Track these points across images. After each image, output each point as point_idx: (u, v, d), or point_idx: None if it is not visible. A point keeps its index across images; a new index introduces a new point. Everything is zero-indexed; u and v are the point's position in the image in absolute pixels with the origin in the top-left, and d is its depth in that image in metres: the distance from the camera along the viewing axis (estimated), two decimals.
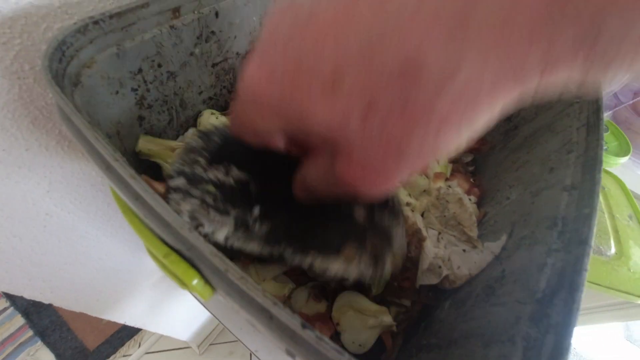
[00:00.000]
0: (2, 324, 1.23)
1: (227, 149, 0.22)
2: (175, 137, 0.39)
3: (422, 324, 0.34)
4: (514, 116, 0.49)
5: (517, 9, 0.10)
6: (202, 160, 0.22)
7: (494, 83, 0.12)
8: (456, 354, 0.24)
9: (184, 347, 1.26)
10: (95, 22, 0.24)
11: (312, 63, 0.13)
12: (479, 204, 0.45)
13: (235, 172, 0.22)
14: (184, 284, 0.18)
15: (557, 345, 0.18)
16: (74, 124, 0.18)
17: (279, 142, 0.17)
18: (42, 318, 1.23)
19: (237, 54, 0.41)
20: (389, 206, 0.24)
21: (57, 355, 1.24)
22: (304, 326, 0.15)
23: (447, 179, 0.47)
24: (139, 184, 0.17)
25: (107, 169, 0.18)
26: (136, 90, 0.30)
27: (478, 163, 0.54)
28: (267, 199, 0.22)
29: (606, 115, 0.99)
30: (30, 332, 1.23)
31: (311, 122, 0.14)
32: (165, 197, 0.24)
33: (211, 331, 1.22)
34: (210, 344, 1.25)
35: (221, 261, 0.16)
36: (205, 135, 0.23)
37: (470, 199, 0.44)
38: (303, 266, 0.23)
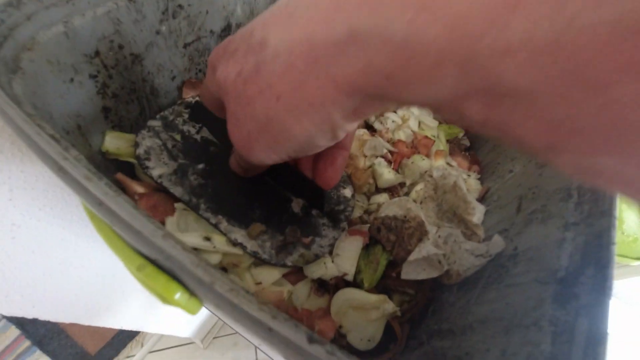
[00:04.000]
0: None
1: (207, 115, 0.23)
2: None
3: (429, 307, 0.33)
4: None
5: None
6: (185, 115, 0.28)
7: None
8: (473, 341, 0.23)
9: (187, 342, 1.24)
10: None
11: (232, 45, 0.17)
12: (481, 179, 0.43)
13: (206, 133, 0.27)
14: (165, 299, 0.15)
15: (592, 329, 0.16)
16: (9, 116, 0.15)
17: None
18: (37, 327, 1.20)
19: (212, 31, 0.37)
20: (331, 208, 0.27)
21: None
22: (311, 340, 0.12)
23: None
24: (98, 186, 0.14)
25: (59, 170, 0.15)
26: (96, 77, 0.26)
27: (473, 137, 0.52)
28: (216, 163, 0.26)
29: None
30: (27, 342, 1.20)
31: (217, 76, 0.17)
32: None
33: (213, 325, 1.21)
34: (214, 337, 1.24)
35: (206, 272, 0.13)
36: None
37: (469, 175, 0.42)
38: (211, 222, 0.25)
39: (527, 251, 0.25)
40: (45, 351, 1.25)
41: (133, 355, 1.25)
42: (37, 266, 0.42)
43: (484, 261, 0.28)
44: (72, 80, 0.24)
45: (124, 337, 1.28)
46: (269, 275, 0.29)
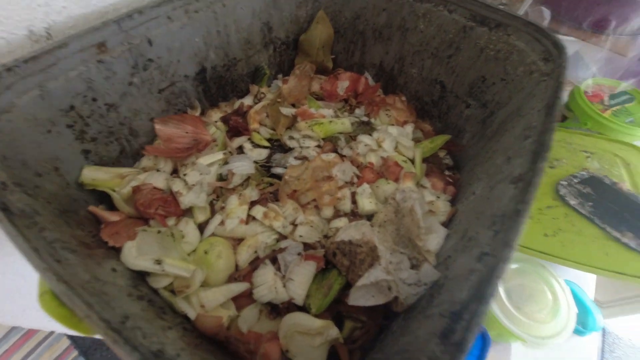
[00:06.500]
0: (50, 345, 1.37)
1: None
2: (132, 164, 0.40)
3: (380, 336, 0.32)
4: (489, 102, 0.45)
5: None
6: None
7: None
8: None
9: None
10: (9, 69, 0.25)
11: None
12: (454, 201, 0.42)
13: None
14: (60, 323, 0.18)
15: None
16: None
17: None
18: (84, 339, 1.36)
19: (186, 76, 0.41)
20: None
21: None
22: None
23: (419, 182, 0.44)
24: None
25: None
26: (72, 126, 0.31)
27: (458, 156, 0.50)
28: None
29: (632, 83, 0.89)
30: (75, 352, 1.35)
31: None
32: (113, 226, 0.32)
33: None
34: None
35: (66, 295, 0.16)
36: None
37: (439, 197, 0.41)
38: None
39: (451, 281, 0.24)
40: None
41: None
42: None
43: (420, 290, 0.27)
44: (49, 131, 0.30)
45: None
46: (214, 299, 0.31)
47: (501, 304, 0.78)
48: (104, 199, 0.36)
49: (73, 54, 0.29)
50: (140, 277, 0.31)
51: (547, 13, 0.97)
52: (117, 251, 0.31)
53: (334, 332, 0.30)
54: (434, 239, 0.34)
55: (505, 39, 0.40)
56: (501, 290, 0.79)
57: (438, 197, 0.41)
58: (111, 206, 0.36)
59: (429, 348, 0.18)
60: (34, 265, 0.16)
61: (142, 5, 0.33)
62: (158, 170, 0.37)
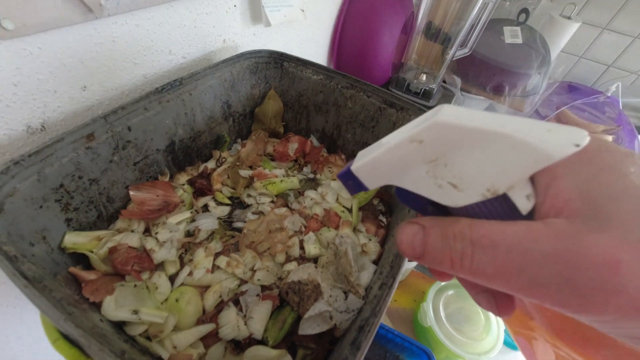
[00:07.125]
0: None
1: None
2: (107, 227, 0.46)
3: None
4: None
5: None
6: None
7: None
8: None
9: None
10: (16, 163, 0.32)
11: None
12: (384, 242, 0.52)
13: None
14: None
15: None
16: None
17: None
18: None
19: (157, 150, 0.50)
20: None
21: None
22: None
23: (356, 227, 0.54)
24: (19, 281, 0.24)
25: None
26: (60, 200, 0.38)
27: (390, 204, 0.62)
28: None
29: None
30: None
31: None
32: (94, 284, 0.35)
33: None
34: None
35: (83, 337, 0.22)
36: None
37: (370, 240, 0.51)
38: None
39: (366, 305, 0.33)
40: None
41: None
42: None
43: (349, 315, 0.36)
44: (41, 206, 0.35)
45: None
46: (185, 340, 0.36)
47: (444, 329, 0.88)
48: (80, 259, 0.41)
49: (67, 145, 0.36)
50: (119, 326, 0.36)
51: (458, 80, 1.22)
52: (97, 306, 0.36)
53: (287, 359, 0.37)
54: (365, 275, 0.43)
55: (408, 117, 0.55)
56: (443, 316, 0.90)
57: (370, 240, 0.51)
58: (87, 265, 0.41)
59: (343, 354, 0.27)
60: (55, 318, 0.23)
61: (124, 102, 0.42)
62: (132, 231, 0.44)
